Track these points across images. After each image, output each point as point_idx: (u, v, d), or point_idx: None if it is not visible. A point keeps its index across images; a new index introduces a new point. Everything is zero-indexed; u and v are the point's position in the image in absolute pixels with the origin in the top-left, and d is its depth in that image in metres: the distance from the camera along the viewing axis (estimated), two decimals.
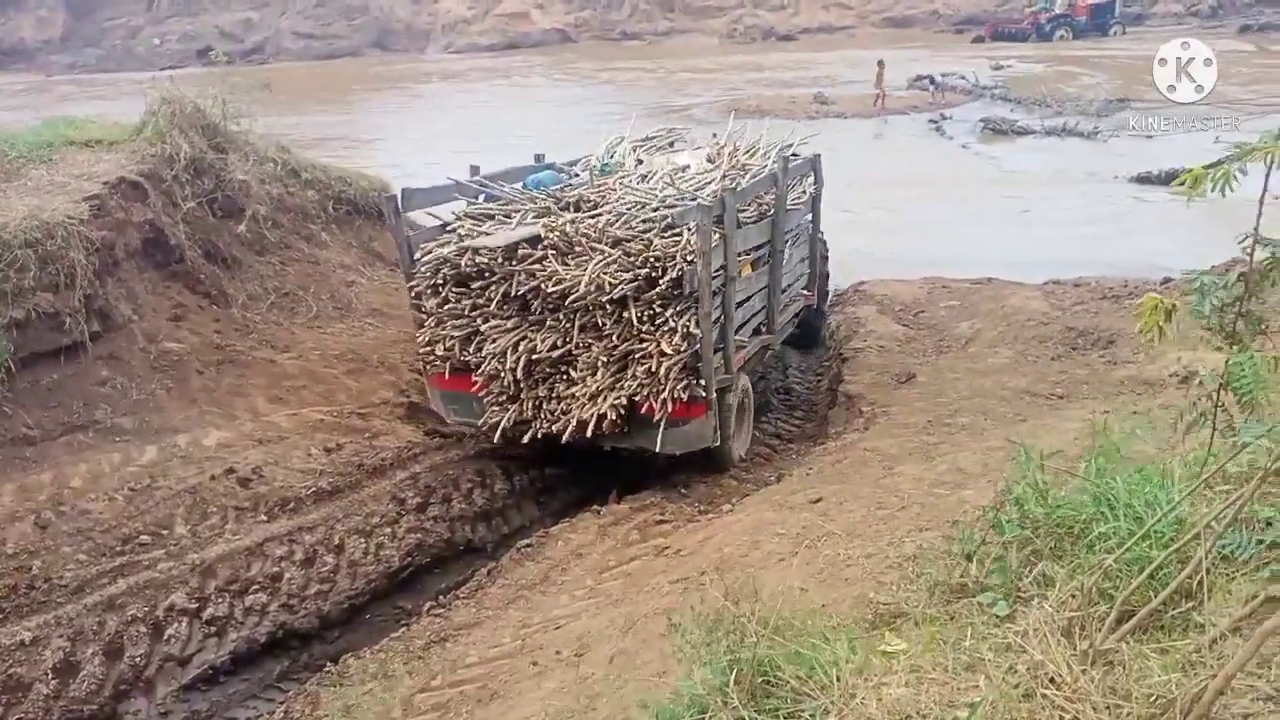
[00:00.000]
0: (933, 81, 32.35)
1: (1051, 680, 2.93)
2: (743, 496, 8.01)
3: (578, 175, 10.17)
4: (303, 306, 11.45)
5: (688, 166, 9.97)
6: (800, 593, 4.94)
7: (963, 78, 32.91)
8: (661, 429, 7.90)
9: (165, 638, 6.60)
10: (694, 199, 8.35)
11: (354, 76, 44.42)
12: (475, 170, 9.79)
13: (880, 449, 7.80)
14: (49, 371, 8.55)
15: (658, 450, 8.13)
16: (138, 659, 6.41)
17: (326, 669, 6.64)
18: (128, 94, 15.73)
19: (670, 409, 7.79)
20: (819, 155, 11.62)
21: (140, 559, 7.07)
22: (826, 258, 12.52)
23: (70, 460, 8.03)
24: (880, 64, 30.27)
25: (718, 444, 8.45)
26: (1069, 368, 9.47)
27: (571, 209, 8.53)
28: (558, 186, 9.31)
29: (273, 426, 9.13)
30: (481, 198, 9.22)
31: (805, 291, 11.74)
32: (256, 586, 7.11)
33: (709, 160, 10.39)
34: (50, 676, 6.06)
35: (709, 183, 9.15)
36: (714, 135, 12.12)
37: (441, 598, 7.40)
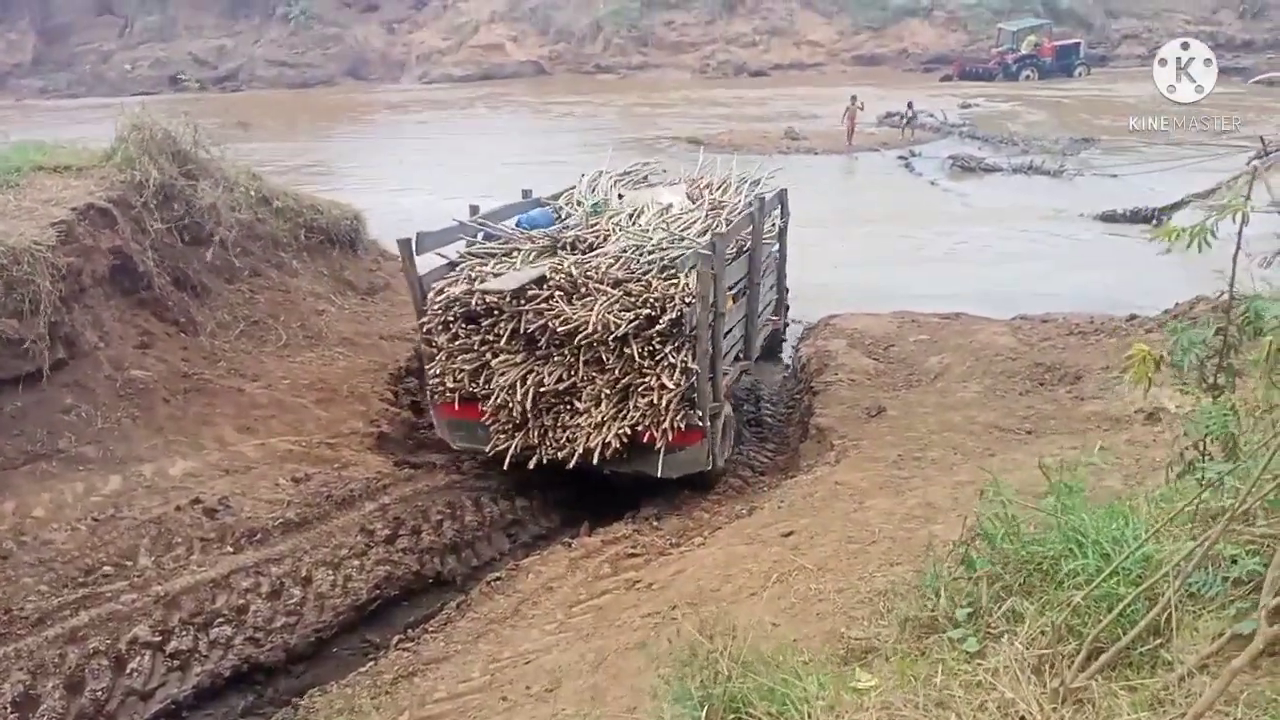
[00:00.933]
0: (912, 117, 32.18)
1: (1022, 718, 2.94)
2: (714, 530, 8.00)
3: (563, 210, 10.53)
4: (272, 335, 11.38)
5: (671, 205, 10.28)
6: (772, 628, 4.95)
7: (931, 115, 33.34)
8: (661, 456, 8.45)
9: (127, 671, 6.47)
10: (682, 239, 8.91)
11: (327, 105, 44.38)
12: (475, 210, 10.13)
13: (851, 482, 7.83)
14: (12, 399, 8.42)
15: (658, 475, 8.56)
16: (99, 693, 6.27)
17: (292, 704, 6.56)
18: (98, 119, 15.62)
19: (670, 438, 8.36)
20: (785, 190, 12.14)
21: (103, 590, 6.95)
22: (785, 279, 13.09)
23: (32, 489, 7.91)
24: (854, 99, 30.58)
25: (709, 467, 8.88)
26: (1036, 403, 9.56)
27: (569, 249, 9.05)
28: (552, 227, 9.70)
29: (240, 456, 9.04)
30: (480, 236, 9.61)
31: (774, 317, 12.34)
32: (221, 619, 6.99)
33: (689, 198, 10.73)
34: (9, 710, 5.92)
35: (694, 222, 9.63)
36: (664, 171, 12.64)
37: (410, 631, 7.34)
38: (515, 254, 9.03)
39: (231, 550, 7.64)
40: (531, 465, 8.72)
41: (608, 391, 8.38)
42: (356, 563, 7.85)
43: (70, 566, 7.15)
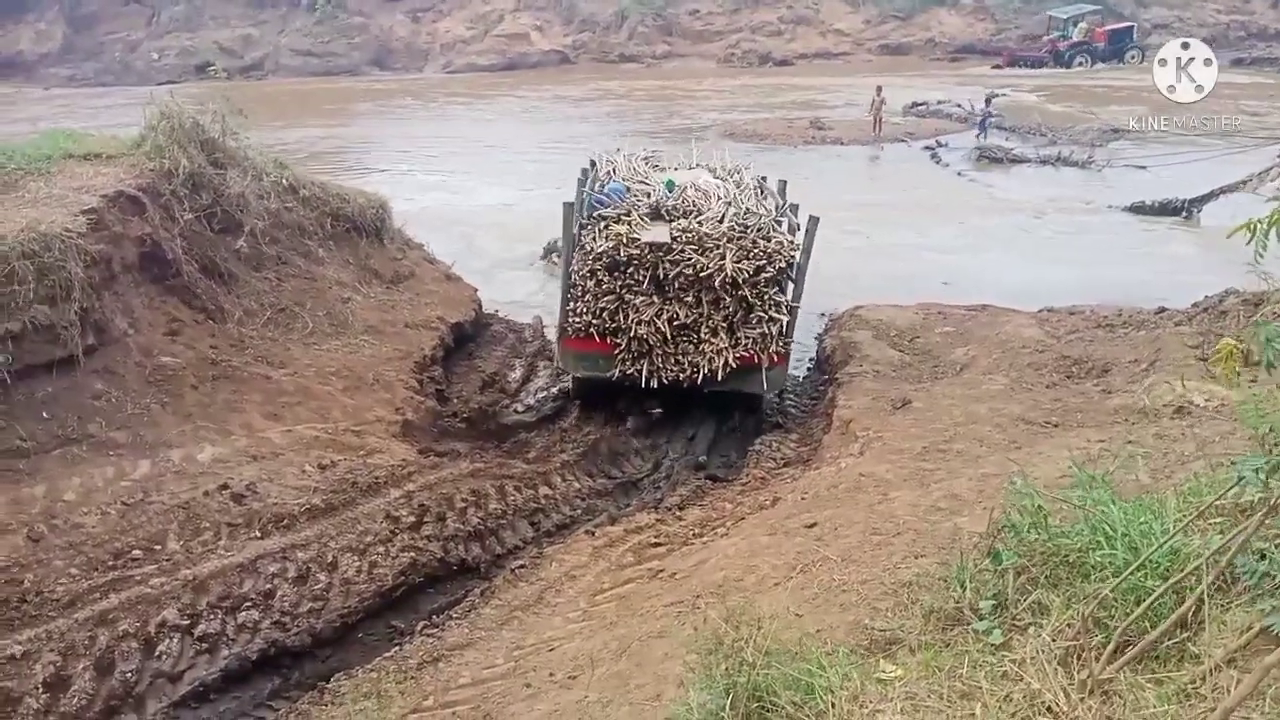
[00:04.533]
0: (987, 116, 29.09)
1: (1049, 709, 2.94)
2: (738, 520, 8.01)
3: (625, 184, 12.20)
4: (299, 323, 11.45)
5: (718, 185, 12.34)
6: (795, 618, 4.95)
7: (957, 105, 33.01)
8: (765, 374, 10.69)
9: (156, 654, 6.55)
10: (760, 210, 11.26)
11: (352, 93, 44.54)
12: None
13: (876, 474, 7.80)
14: (44, 384, 8.51)
15: (764, 390, 10.97)
16: (129, 675, 6.36)
17: (318, 688, 6.62)
18: (126, 107, 15.76)
19: (774, 360, 10.63)
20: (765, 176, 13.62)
21: (132, 574, 7.04)
22: None
23: (63, 473, 8.00)
24: (879, 90, 30.26)
25: (785, 385, 11.62)
26: (1064, 396, 9.48)
27: (666, 215, 10.92)
28: (651, 198, 11.41)
29: (267, 443, 9.11)
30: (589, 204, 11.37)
31: None
32: (249, 603, 7.07)
33: (718, 179, 12.81)
34: (41, 691, 6.01)
35: (749, 198, 11.79)
36: (646, 159, 14.32)
37: (435, 617, 7.39)
38: (626, 217, 10.74)
39: (259, 535, 7.72)
40: (654, 385, 10.62)
41: (723, 326, 10.50)
42: (382, 549, 7.90)
43: (100, 550, 7.24)
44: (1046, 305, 13.05)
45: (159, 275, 10.36)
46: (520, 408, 11.85)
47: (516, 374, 12.81)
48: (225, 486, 8.18)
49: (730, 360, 10.46)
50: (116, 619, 6.64)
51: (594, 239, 10.51)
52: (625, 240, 10.33)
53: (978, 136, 28.46)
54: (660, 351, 10.56)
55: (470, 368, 12.95)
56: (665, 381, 10.61)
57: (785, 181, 13.00)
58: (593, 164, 13.29)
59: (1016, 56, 46.74)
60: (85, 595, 6.77)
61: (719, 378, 10.51)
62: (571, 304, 10.70)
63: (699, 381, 10.56)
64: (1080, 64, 44.63)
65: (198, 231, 11.04)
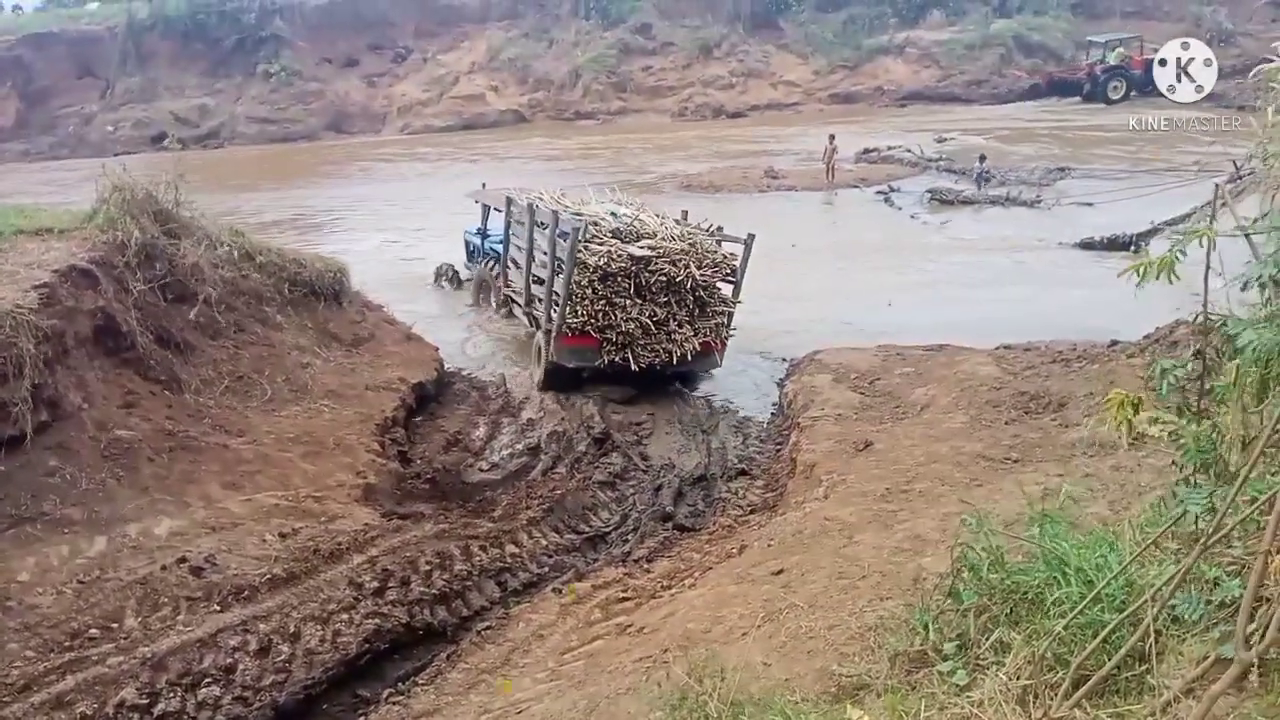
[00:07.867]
0: (985, 172, 28.58)
1: None
2: (705, 570, 7.97)
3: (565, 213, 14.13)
4: (257, 390, 11.34)
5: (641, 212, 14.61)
6: (763, 667, 4.93)
7: (908, 150, 33.56)
8: (717, 354, 13.72)
9: None
10: (696, 229, 13.93)
11: (308, 159, 44.61)
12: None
13: (840, 518, 7.82)
14: None
15: (719, 366, 13.97)
16: None
17: None
18: (82, 180, 15.69)
19: (721, 345, 13.67)
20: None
21: (89, 654, 6.87)
22: None
23: (17, 553, 7.83)
24: (831, 138, 30.75)
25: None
26: (1022, 431, 9.58)
27: (624, 237, 13.15)
28: (604, 224, 13.47)
29: (226, 513, 8.98)
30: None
31: None
32: (209, 679, 6.89)
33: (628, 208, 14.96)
34: None
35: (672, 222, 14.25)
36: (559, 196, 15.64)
37: (401, 684, 7.26)
38: (596, 238, 12.94)
39: (218, 608, 7.57)
40: (635, 368, 13.16)
41: (686, 320, 13.27)
42: (345, 616, 7.75)
43: (56, 630, 7.07)
44: (1003, 342, 13.22)
45: (113, 348, 10.25)
46: (485, 465, 11.78)
47: (480, 432, 12.75)
48: (184, 560, 8.03)
49: (695, 345, 13.31)
50: (74, 701, 6.46)
51: (586, 255, 12.71)
52: (613, 255, 12.72)
53: (979, 188, 28.06)
54: (641, 342, 13.12)
55: (433, 427, 12.87)
56: (642, 366, 13.16)
57: (754, 235, 13.69)
58: (509, 200, 15.38)
59: (1055, 80, 47.25)
60: (41, 678, 6.59)
61: (688, 359, 13.33)
62: (570, 308, 12.90)
63: (672, 363, 13.28)
64: (1114, 88, 44.45)
65: (152, 302, 10.95)
